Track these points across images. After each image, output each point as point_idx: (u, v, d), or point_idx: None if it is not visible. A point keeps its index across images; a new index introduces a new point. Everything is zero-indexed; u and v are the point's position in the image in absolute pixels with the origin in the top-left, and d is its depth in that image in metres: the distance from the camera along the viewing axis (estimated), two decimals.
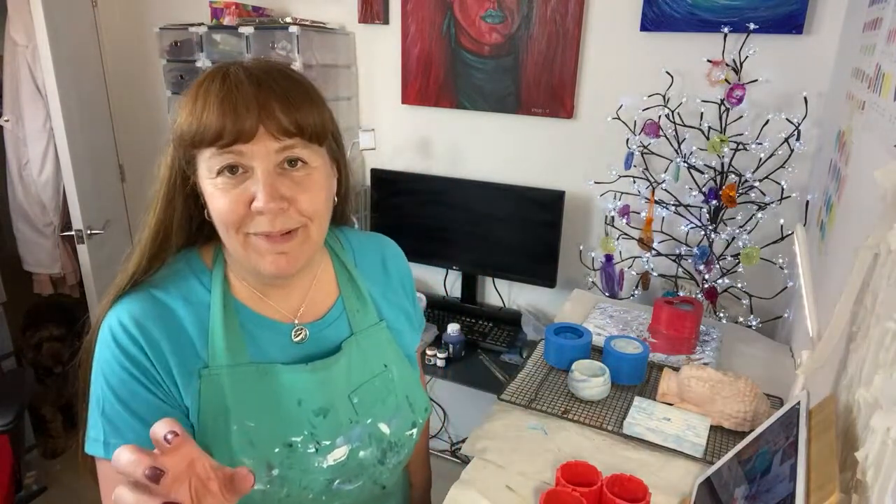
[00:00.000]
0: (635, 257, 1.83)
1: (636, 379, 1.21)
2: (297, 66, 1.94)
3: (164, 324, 0.66)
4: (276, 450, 0.69)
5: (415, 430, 0.81)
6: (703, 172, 1.67)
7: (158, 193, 0.68)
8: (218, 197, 0.64)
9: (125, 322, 0.65)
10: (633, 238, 1.80)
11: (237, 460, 0.67)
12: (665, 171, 1.72)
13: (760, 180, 1.59)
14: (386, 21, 2.08)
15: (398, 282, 0.87)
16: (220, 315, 0.69)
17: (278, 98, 0.63)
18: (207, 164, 0.64)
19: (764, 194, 1.61)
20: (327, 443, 0.72)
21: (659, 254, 1.77)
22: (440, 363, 1.90)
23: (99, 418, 0.64)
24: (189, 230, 0.72)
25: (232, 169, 0.63)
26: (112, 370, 0.64)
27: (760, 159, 1.59)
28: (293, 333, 0.74)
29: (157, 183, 0.69)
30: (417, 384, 0.84)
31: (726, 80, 1.58)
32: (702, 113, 1.65)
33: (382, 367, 0.79)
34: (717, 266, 1.68)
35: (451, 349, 1.91)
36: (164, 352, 0.65)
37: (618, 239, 1.83)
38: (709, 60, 1.61)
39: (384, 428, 0.77)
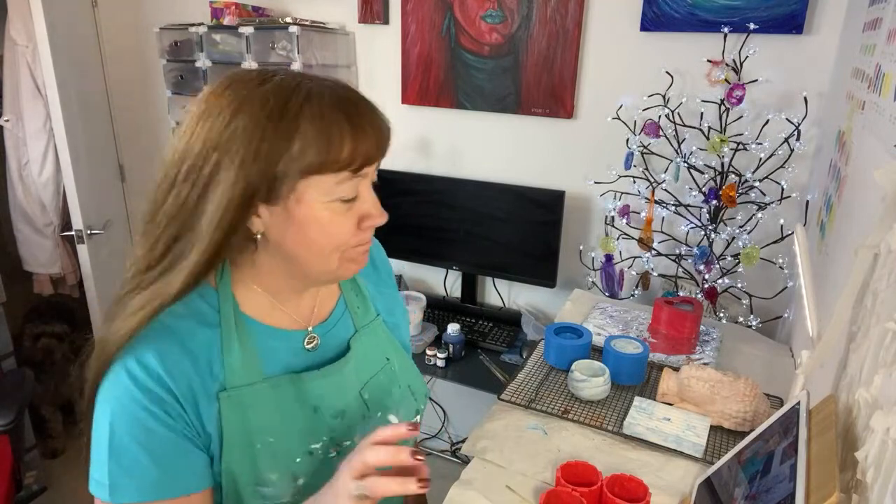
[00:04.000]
0: (635, 257, 1.83)
1: (636, 379, 1.21)
2: (296, 66, 1.94)
3: (185, 356, 0.63)
4: (298, 460, 0.68)
5: (418, 418, 0.82)
6: (703, 172, 1.67)
7: (215, 219, 0.60)
8: (333, 221, 0.63)
9: (149, 363, 0.61)
10: (633, 238, 1.80)
11: (263, 477, 0.66)
12: (665, 171, 1.72)
13: (760, 180, 1.59)
14: (386, 21, 2.08)
15: (386, 274, 0.88)
16: (232, 334, 0.66)
17: (389, 131, 0.66)
18: (325, 189, 0.61)
19: (764, 194, 1.61)
20: (347, 443, 0.72)
21: (659, 254, 1.77)
22: (440, 363, 1.90)
23: (106, 461, 0.61)
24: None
25: None
26: (130, 412, 0.60)
27: (760, 159, 1.59)
28: (305, 341, 0.73)
29: (215, 208, 0.60)
30: (416, 372, 0.85)
31: (726, 80, 1.58)
32: (702, 113, 1.65)
33: (385, 361, 0.80)
34: (717, 266, 1.68)
35: (451, 349, 1.91)
36: (191, 385, 0.63)
37: (618, 239, 1.83)
38: (709, 60, 1.61)
39: (393, 419, 0.78)
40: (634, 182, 1.77)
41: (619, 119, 1.76)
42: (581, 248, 1.96)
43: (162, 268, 0.63)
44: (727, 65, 1.59)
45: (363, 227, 0.65)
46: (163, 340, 0.62)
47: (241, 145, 0.58)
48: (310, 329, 0.73)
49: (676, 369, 1.18)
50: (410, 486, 0.58)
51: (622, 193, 1.82)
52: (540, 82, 1.90)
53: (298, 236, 0.63)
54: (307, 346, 0.72)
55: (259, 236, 0.64)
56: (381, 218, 0.66)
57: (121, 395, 0.60)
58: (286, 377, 0.69)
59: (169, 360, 0.61)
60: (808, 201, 1.49)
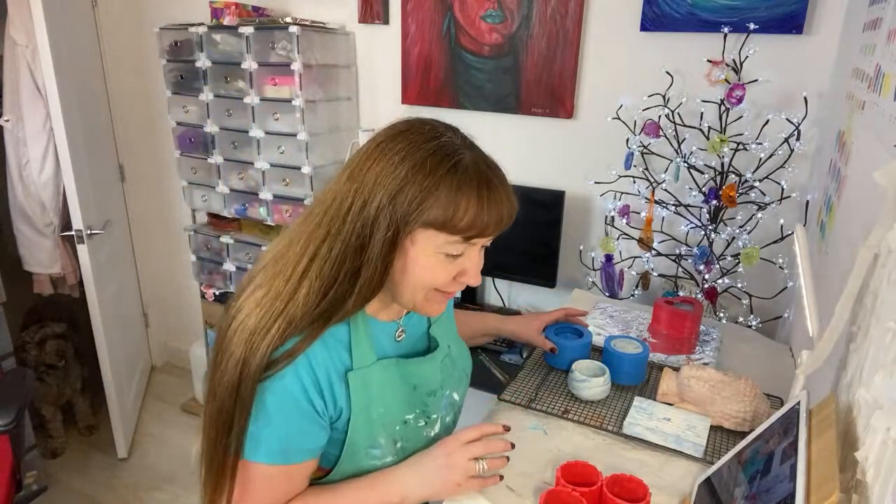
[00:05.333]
0: (635, 257, 1.83)
1: (636, 379, 1.21)
2: (296, 66, 1.94)
3: (325, 350, 0.77)
4: (397, 427, 0.84)
5: (466, 392, 1.01)
6: (703, 172, 1.67)
7: (380, 255, 0.73)
8: (434, 268, 0.76)
9: (304, 380, 0.75)
10: (633, 238, 1.80)
11: (376, 441, 0.82)
12: (665, 171, 1.72)
13: (760, 180, 1.59)
14: (386, 21, 2.08)
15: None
16: (360, 328, 0.81)
17: (514, 213, 0.81)
18: (437, 243, 0.74)
19: (764, 194, 1.61)
20: (434, 416, 0.89)
21: (659, 254, 1.77)
22: None
23: (275, 436, 0.76)
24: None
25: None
26: (287, 402, 0.75)
27: (760, 159, 1.59)
28: (396, 334, 0.88)
29: (379, 249, 0.73)
30: (468, 356, 1.02)
31: (726, 80, 1.58)
32: (702, 113, 1.65)
33: (447, 348, 0.95)
34: (717, 266, 1.68)
35: None
36: (328, 373, 0.77)
37: (618, 239, 1.83)
38: (709, 60, 1.61)
39: (456, 396, 0.96)
40: (634, 182, 1.77)
41: (619, 119, 1.76)
42: (581, 248, 1.96)
43: (341, 294, 0.75)
44: (727, 65, 1.59)
45: (457, 279, 0.79)
46: (322, 354, 0.77)
47: (396, 188, 0.71)
48: (399, 321, 0.88)
49: (676, 369, 1.18)
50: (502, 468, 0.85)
51: (622, 193, 1.82)
52: (540, 82, 1.90)
53: (403, 268, 0.76)
54: (397, 339, 0.88)
55: None
56: (475, 281, 0.80)
57: (285, 387, 0.75)
58: (392, 360, 0.84)
59: (318, 360, 0.76)
60: (808, 201, 1.49)
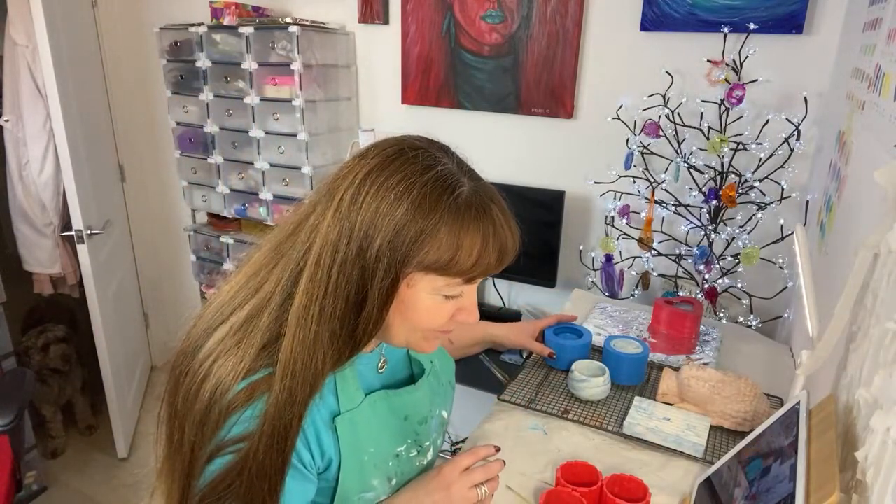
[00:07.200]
0: (635, 257, 1.83)
1: (636, 379, 1.21)
2: (296, 66, 1.94)
3: (314, 405, 0.68)
4: (390, 463, 0.77)
5: (452, 405, 0.94)
6: (703, 172, 1.67)
7: (374, 300, 0.66)
8: (432, 310, 0.70)
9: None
10: (633, 238, 1.80)
11: (368, 484, 0.74)
12: (665, 171, 1.72)
13: (760, 180, 1.59)
14: (386, 21, 2.08)
15: None
16: (346, 366, 0.72)
17: (517, 246, 0.74)
18: (436, 286, 0.68)
19: (764, 194, 1.61)
20: (427, 444, 0.83)
21: (659, 254, 1.77)
22: None
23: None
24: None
25: None
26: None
27: (760, 159, 1.59)
28: (378, 365, 0.81)
29: (378, 297, 0.66)
30: (451, 365, 0.95)
31: (726, 80, 1.58)
32: (702, 113, 1.65)
33: (430, 364, 0.88)
34: (717, 266, 1.68)
35: None
36: (315, 423, 0.70)
37: (618, 239, 1.83)
38: (709, 60, 1.61)
39: (444, 414, 0.89)
40: (634, 182, 1.77)
41: (619, 119, 1.76)
42: (581, 248, 1.96)
43: (338, 354, 0.68)
44: (727, 65, 1.59)
45: (456, 318, 0.72)
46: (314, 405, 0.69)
47: (393, 231, 0.64)
48: (381, 350, 0.81)
49: (676, 369, 1.18)
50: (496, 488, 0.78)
51: (622, 193, 1.82)
52: (540, 82, 1.90)
53: (397, 311, 0.69)
54: (379, 370, 0.81)
55: None
56: (474, 317, 0.73)
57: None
58: (380, 393, 0.78)
59: (305, 427, 0.68)
60: (808, 201, 1.49)
